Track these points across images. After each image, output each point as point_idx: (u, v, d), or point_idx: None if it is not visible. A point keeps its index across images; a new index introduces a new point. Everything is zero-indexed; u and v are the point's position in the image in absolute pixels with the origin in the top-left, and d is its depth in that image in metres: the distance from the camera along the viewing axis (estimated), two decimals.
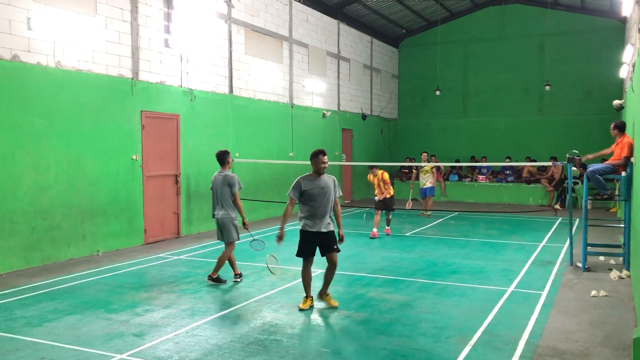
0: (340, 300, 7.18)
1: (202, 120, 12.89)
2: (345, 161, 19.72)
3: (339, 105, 19.46)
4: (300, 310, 6.76)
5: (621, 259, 9.09)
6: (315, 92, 17.95)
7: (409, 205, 14.87)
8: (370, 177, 12.90)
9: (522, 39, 21.77)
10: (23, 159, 8.95)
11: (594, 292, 7.40)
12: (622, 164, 8.56)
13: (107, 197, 10.44)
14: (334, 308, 6.82)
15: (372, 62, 22.07)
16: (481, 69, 22.57)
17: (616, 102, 13.50)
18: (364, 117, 21.20)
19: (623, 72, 15.70)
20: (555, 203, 17.87)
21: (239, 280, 8.24)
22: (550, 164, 14.38)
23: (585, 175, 9.06)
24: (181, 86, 12.27)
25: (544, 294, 7.48)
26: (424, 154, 16.02)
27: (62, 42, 9.56)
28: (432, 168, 15.86)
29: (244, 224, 8.24)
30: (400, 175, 21.54)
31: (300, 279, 7.03)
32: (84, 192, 9.98)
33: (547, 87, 20.37)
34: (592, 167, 9.07)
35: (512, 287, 7.83)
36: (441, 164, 17.96)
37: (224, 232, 8.18)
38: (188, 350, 5.48)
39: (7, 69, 8.70)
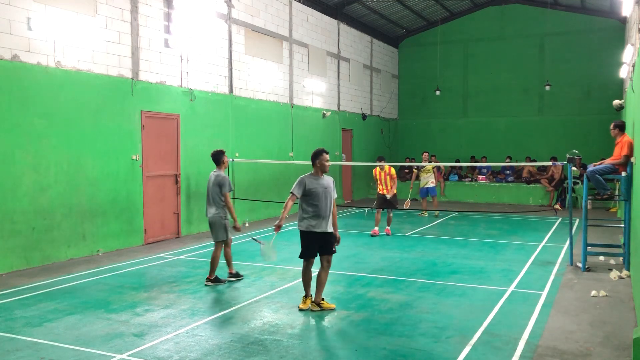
0: (340, 300, 7.18)
1: (202, 120, 12.89)
2: (345, 161, 19.72)
3: (339, 105, 19.46)
4: (300, 310, 6.76)
5: (621, 259, 9.09)
6: (315, 92, 17.95)
7: (407, 205, 14.86)
8: (377, 170, 12.78)
9: (522, 39, 21.77)
10: (23, 159, 8.95)
11: (594, 292, 7.40)
12: (622, 163, 8.56)
13: (107, 197, 10.44)
14: (332, 310, 6.80)
15: (372, 62, 22.07)
16: (481, 69, 22.57)
17: (616, 102, 13.50)
18: (364, 117, 21.20)
19: (623, 72, 15.70)
20: (555, 203, 17.86)
21: (232, 279, 8.18)
22: (550, 164, 14.39)
23: (585, 175, 9.06)
24: (181, 86, 12.27)
25: (544, 294, 7.48)
26: (424, 153, 16.00)
27: (62, 42, 9.56)
28: (433, 168, 15.81)
29: (234, 226, 8.17)
30: (401, 176, 21.53)
31: (300, 280, 7.01)
32: (84, 192, 9.98)
33: (547, 87, 20.37)
34: (592, 167, 9.07)
35: (512, 287, 7.83)
36: (441, 164, 17.96)
37: (214, 231, 8.17)
38: (188, 350, 5.48)
39: (7, 69, 8.70)
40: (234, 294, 7.58)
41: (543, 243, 11.42)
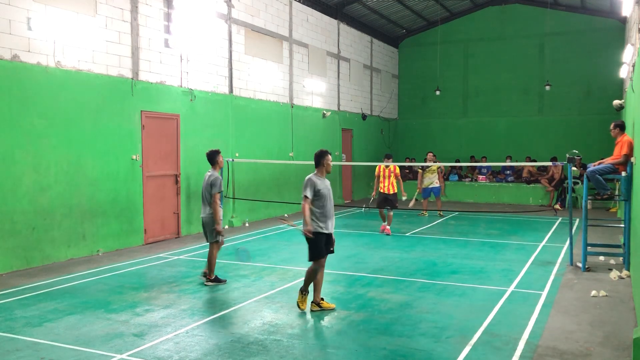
0: (340, 300, 7.18)
1: (202, 120, 12.89)
2: (345, 161, 19.72)
3: (339, 105, 19.46)
4: (300, 309, 6.72)
5: (621, 259, 9.09)
6: (315, 92, 17.95)
7: (412, 204, 14.81)
8: (381, 167, 12.75)
9: (522, 39, 21.77)
10: (23, 159, 8.95)
11: (594, 292, 7.40)
12: (621, 162, 8.57)
13: (107, 197, 10.44)
14: (332, 309, 6.80)
15: (372, 62, 22.07)
16: (481, 69, 22.57)
17: (616, 102, 13.51)
18: (364, 117, 21.20)
19: (623, 72, 15.70)
20: (555, 203, 17.86)
21: (203, 279, 8.06)
22: (550, 163, 14.38)
23: (585, 175, 9.06)
24: (181, 86, 12.27)
25: (544, 294, 7.48)
26: (429, 153, 15.84)
27: (62, 42, 9.56)
28: (438, 168, 15.69)
29: (216, 228, 7.96)
30: (402, 175, 21.51)
31: (300, 280, 7.01)
32: (84, 192, 9.98)
33: (547, 87, 20.37)
34: (591, 167, 9.07)
35: (512, 287, 7.83)
36: (441, 164, 17.95)
37: (208, 232, 8.11)
38: (188, 350, 5.48)
39: (7, 69, 8.70)
40: (234, 294, 7.58)
41: (543, 243, 11.42)
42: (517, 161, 20.26)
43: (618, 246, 9.67)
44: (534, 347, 5.48)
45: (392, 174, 12.62)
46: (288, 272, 8.83)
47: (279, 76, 15.95)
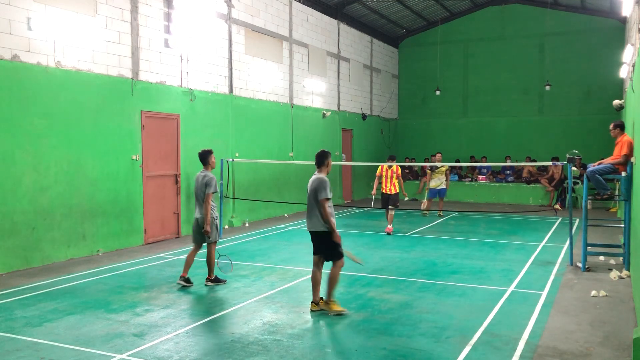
0: (340, 300, 7.16)
1: (202, 120, 12.89)
2: (345, 161, 19.72)
3: (339, 105, 19.46)
4: (337, 313, 6.57)
5: (621, 259, 9.09)
6: (315, 92, 17.95)
7: (424, 205, 14.75)
8: (384, 168, 12.77)
9: (522, 39, 21.78)
10: (23, 159, 8.95)
11: (594, 292, 7.40)
12: (621, 162, 8.57)
13: (107, 197, 10.44)
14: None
15: (372, 62, 22.07)
16: (481, 69, 22.57)
17: (616, 102, 13.50)
18: (364, 117, 21.20)
19: (623, 72, 15.70)
20: (555, 203, 17.86)
21: (182, 283, 7.85)
22: (550, 163, 14.36)
23: (585, 175, 9.06)
24: (181, 86, 12.27)
25: (544, 294, 7.48)
26: (438, 154, 15.70)
27: (62, 42, 9.56)
28: (447, 169, 15.56)
29: (204, 228, 7.87)
30: (402, 176, 21.51)
31: (300, 280, 7.00)
32: (84, 192, 9.98)
33: (547, 87, 20.37)
34: (591, 167, 9.08)
35: (512, 287, 7.83)
36: (436, 164, 17.90)
37: (200, 233, 7.99)
38: (188, 350, 5.48)
39: (7, 69, 8.70)
40: (234, 294, 7.58)
41: (543, 243, 11.42)
42: (517, 161, 20.26)
43: (618, 246, 9.67)
44: (534, 347, 5.48)
45: (394, 175, 12.67)
46: (288, 272, 8.82)
47: (279, 76, 15.95)
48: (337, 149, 19.19)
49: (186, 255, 8.28)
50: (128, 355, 5.33)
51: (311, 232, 6.76)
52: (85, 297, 7.36)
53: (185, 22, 12.25)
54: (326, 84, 18.57)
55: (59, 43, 9.49)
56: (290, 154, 16.33)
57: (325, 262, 6.83)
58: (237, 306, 6.98)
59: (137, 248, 10.92)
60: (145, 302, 7.14)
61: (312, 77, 17.70)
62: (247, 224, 14.07)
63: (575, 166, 9.28)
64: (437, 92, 21.57)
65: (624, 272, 8.40)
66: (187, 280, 7.93)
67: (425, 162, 21.17)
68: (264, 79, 15.24)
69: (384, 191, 12.80)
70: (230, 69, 13.88)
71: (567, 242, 10.15)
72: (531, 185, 19.23)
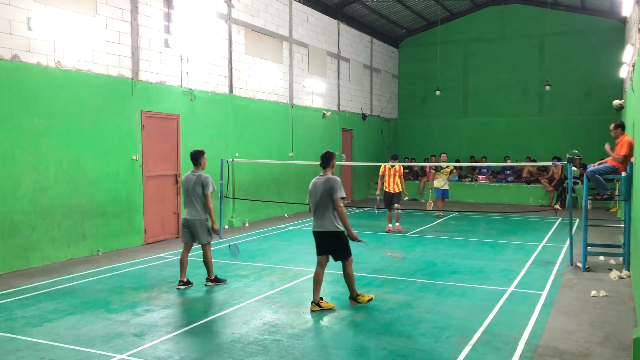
0: (340, 300, 7.18)
1: (202, 120, 12.89)
2: (345, 161, 19.72)
3: (339, 105, 19.46)
4: (368, 301, 6.89)
5: (621, 259, 9.09)
6: (315, 92, 17.95)
7: (429, 205, 14.75)
8: (386, 167, 12.79)
9: (522, 39, 21.78)
10: (23, 159, 8.95)
11: (594, 292, 7.40)
12: (618, 161, 8.59)
13: (107, 197, 10.44)
14: (332, 309, 6.80)
15: (372, 62, 22.07)
16: (481, 69, 22.57)
17: (616, 102, 13.51)
18: (364, 117, 21.20)
19: (623, 72, 15.70)
20: (555, 203, 17.86)
21: (182, 287, 7.82)
22: (549, 163, 14.36)
23: (585, 175, 9.06)
24: (181, 86, 12.27)
25: (544, 294, 7.48)
26: (443, 154, 15.65)
27: (62, 42, 9.56)
28: (452, 169, 15.46)
29: (213, 228, 7.97)
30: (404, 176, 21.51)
31: (299, 280, 7.00)
32: (84, 192, 9.98)
33: (547, 87, 20.37)
34: (591, 167, 9.08)
35: (512, 287, 7.83)
36: (442, 164, 17.92)
37: (195, 235, 7.89)
38: (188, 350, 5.48)
39: (7, 69, 8.70)
40: (234, 294, 7.58)
41: (543, 243, 11.42)
42: (517, 161, 20.26)
43: (618, 246, 9.67)
44: (534, 347, 5.48)
45: (397, 174, 12.71)
46: (288, 272, 8.82)
47: (279, 76, 15.95)
48: (337, 149, 19.18)
49: (179, 257, 8.18)
50: (128, 355, 5.33)
51: (320, 233, 6.79)
52: (85, 297, 7.36)
53: (185, 22, 12.25)
54: (326, 84, 18.58)
55: (59, 43, 9.49)
56: (290, 154, 16.33)
57: (312, 260, 6.91)
58: (237, 306, 6.98)
59: (137, 248, 10.92)
60: (145, 302, 7.14)
61: (312, 77, 17.70)
62: (247, 224, 14.07)
63: (575, 166, 9.27)
64: (437, 92, 21.57)
65: (624, 272, 8.40)
66: (187, 282, 7.91)
67: (425, 162, 21.18)
68: (264, 79, 15.24)
69: (386, 190, 12.86)
70: (230, 69, 13.88)
71: (567, 242, 10.15)
72: (531, 185, 19.22)
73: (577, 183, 15.96)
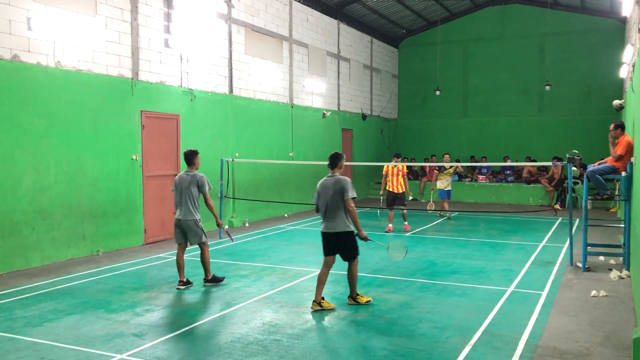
0: (340, 300, 7.18)
1: (202, 120, 12.89)
2: (345, 161, 19.68)
3: (339, 105, 19.46)
4: (366, 303, 6.92)
5: (621, 259, 9.09)
6: (315, 92, 17.95)
7: (431, 206, 14.74)
8: (389, 166, 12.76)
9: (522, 39, 21.78)
10: (23, 159, 8.95)
11: (594, 292, 7.40)
12: (614, 159, 8.61)
13: (107, 197, 10.44)
14: (332, 309, 6.81)
15: (372, 62, 22.07)
16: (481, 69, 22.57)
17: (616, 102, 13.49)
18: (364, 117, 21.20)
19: (623, 72, 15.70)
20: (555, 203, 17.86)
21: (182, 287, 7.81)
22: (550, 163, 14.34)
23: (585, 175, 9.06)
24: (181, 86, 12.27)
25: (544, 294, 7.48)
26: (446, 155, 15.52)
27: (62, 42, 9.56)
28: (455, 169, 15.30)
29: (217, 224, 8.14)
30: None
31: (298, 281, 7.00)
32: (84, 192, 9.98)
33: (547, 87, 20.37)
34: (591, 167, 9.08)
35: (512, 287, 7.83)
36: (442, 164, 17.91)
37: (190, 235, 7.85)
38: (188, 350, 5.48)
39: (7, 69, 8.70)
40: (234, 294, 7.58)
41: (543, 243, 11.42)
42: (517, 161, 20.25)
43: (618, 246, 9.67)
44: (534, 347, 5.48)
45: (400, 173, 12.69)
46: (288, 272, 8.82)
47: (279, 76, 15.95)
48: (337, 148, 19.17)
49: (175, 258, 8.14)
50: (128, 355, 5.33)
51: (331, 234, 6.81)
52: (85, 297, 7.36)
53: (185, 22, 12.25)
54: (326, 84, 18.58)
55: (59, 43, 9.49)
56: (290, 154, 16.33)
57: (317, 260, 6.93)
58: (237, 306, 6.98)
59: (137, 248, 10.92)
60: (145, 302, 7.14)
61: (312, 77, 17.70)
62: (247, 224, 14.07)
63: (575, 166, 9.28)
64: (437, 92, 21.57)
65: (624, 272, 8.40)
66: (186, 282, 7.91)
67: (425, 162, 21.18)
68: (264, 79, 15.24)
69: (390, 189, 12.84)
70: (230, 69, 13.88)
71: (567, 242, 10.15)
72: (531, 185, 19.22)
73: (577, 183, 15.95)
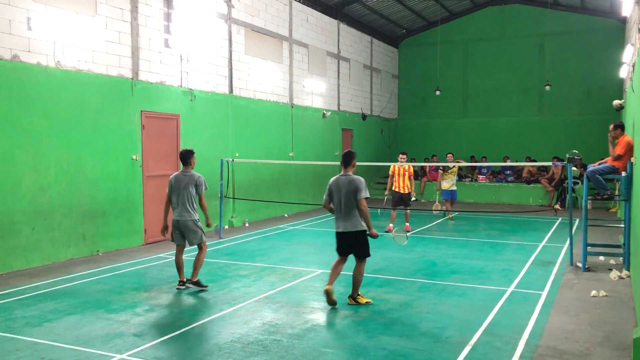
0: (340, 300, 7.18)
1: (202, 120, 12.89)
2: None
3: (339, 105, 19.46)
4: (366, 303, 6.95)
5: (621, 259, 9.09)
6: (315, 92, 17.95)
7: (436, 207, 14.68)
8: (395, 167, 12.75)
9: (522, 39, 21.78)
10: (23, 159, 8.94)
11: (594, 292, 7.40)
12: (613, 158, 8.61)
13: (107, 197, 10.44)
14: (334, 308, 6.82)
15: (372, 62, 22.07)
16: (481, 69, 22.57)
17: (616, 102, 13.50)
18: (364, 117, 21.20)
19: (623, 72, 15.70)
20: (555, 203, 17.86)
21: (182, 287, 7.74)
22: (550, 163, 14.32)
23: (585, 175, 9.06)
24: (181, 86, 12.27)
25: (544, 294, 7.48)
26: (449, 155, 15.45)
27: (62, 42, 9.56)
28: (458, 169, 15.23)
29: (207, 224, 7.92)
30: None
31: (300, 281, 7.01)
32: (84, 192, 9.98)
33: (547, 87, 20.38)
34: (592, 167, 9.09)
35: (512, 287, 7.83)
36: (441, 164, 17.92)
37: (189, 235, 7.73)
38: (188, 350, 5.48)
39: (7, 69, 8.70)
40: (234, 294, 7.58)
41: (543, 243, 11.42)
42: (517, 161, 20.25)
43: (618, 246, 9.68)
44: (534, 347, 5.48)
45: (407, 173, 12.68)
46: (288, 272, 8.82)
47: (279, 76, 15.95)
48: (337, 149, 19.18)
49: (174, 259, 8.05)
50: (128, 355, 5.33)
51: (349, 234, 6.88)
52: (85, 297, 7.36)
53: (185, 22, 12.25)
54: (326, 84, 18.58)
55: (59, 43, 9.49)
56: (290, 154, 16.33)
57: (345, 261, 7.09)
58: (237, 306, 6.98)
59: (137, 248, 10.92)
60: (145, 302, 7.14)
61: (312, 77, 17.70)
62: (247, 224, 14.07)
63: (575, 166, 9.28)
64: (437, 92, 21.58)
65: (624, 272, 8.40)
66: (185, 283, 7.86)
67: (425, 162, 21.18)
68: (264, 79, 15.24)
69: (396, 189, 12.82)
70: (230, 69, 13.88)
71: (567, 242, 10.15)
72: (531, 185, 19.22)
73: (577, 183, 15.96)
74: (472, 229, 13.64)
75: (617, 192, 12.87)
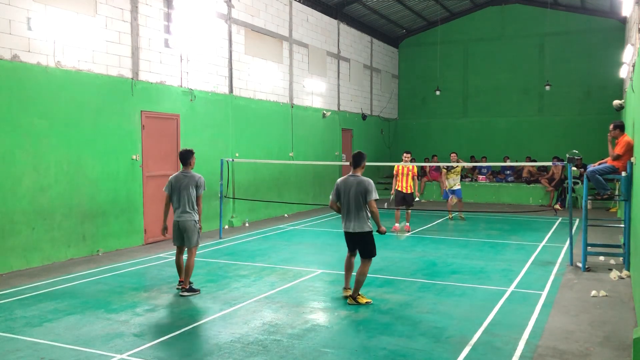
0: (340, 300, 7.19)
1: (202, 120, 12.89)
2: (345, 161, 19.71)
3: (339, 105, 19.46)
4: (365, 304, 6.97)
5: (621, 259, 9.09)
6: (315, 92, 17.95)
7: (452, 201, 14.63)
8: (399, 167, 12.76)
9: (522, 39, 21.78)
10: (23, 159, 8.94)
11: (594, 292, 7.40)
12: (612, 158, 8.61)
13: (107, 197, 10.44)
14: (334, 308, 6.82)
15: (372, 62, 22.07)
16: (481, 69, 22.57)
17: (616, 102, 13.50)
18: (364, 117, 21.20)
19: (623, 72, 15.70)
20: (555, 203, 17.86)
21: (180, 287, 7.68)
22: (550, 163, 14.31)
23: (585, 175, 9.06)
24: (181, 86, 12.27)
25: (544, 294, 7.48)
26: (453, 154, 15.46)
27: (62, 42, 9.56)
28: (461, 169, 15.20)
29: (200, 227, 7.79)
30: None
31: (299, 281, 7.01)
32: (84, 192, 9.98)
33: (547, 87, 20.37)
34: (592, 167, 9.09)
35: (512, 287, 7.83)
36: (441, 164, 17.92)
37: (188, 236, 7.64)
38: (188, 350, 5.48)
39: (7, 69, 8.70)
40: (234, 294, 7.58)
41: (543, 243, 11.42)
42: (517, 161, 20.25)
43: (618, 246, 9.68)
44: (534, 347, 5.48)
45: (410, 173, 12.70)
46: (288, 272, 8.82)
47: (279, 76, 15.95)
48: (337, 149, 19.19)
49: (174, 259, 8.04)
50: (128, 355, 5.33)
51: (357, 234, 6.98)
52: (85, 297, 7.36)
53: (185, 22, 12.25)
54: (326, 84, 18.58)
55: (59, 43, 9.49)
56: (290, 154, 16.33)
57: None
58: (237, 306, 6.98)
59: (137, 248, 10.92)
60: (145, 302, 7.14)
61: (312, 77, 17.70)
62: (247, 224, 14.07)
63: (575, 166, 9.28)
64: (437, 92, 21.58)
65: (624, 272, 8.40)
66: (180, 293, 7.66)
67: (425, 162, 21.17)
68: (264, 79, 15.24)
69: (399, 189, 12.84)
70: (230, 69, 13.88)
71: (567, 242, 10.15)
72: (531, 185, 19.22)
73: (577, 183, 15.96)
74: (472, 229, 13.64)
75: (617, 192, 12.87)
